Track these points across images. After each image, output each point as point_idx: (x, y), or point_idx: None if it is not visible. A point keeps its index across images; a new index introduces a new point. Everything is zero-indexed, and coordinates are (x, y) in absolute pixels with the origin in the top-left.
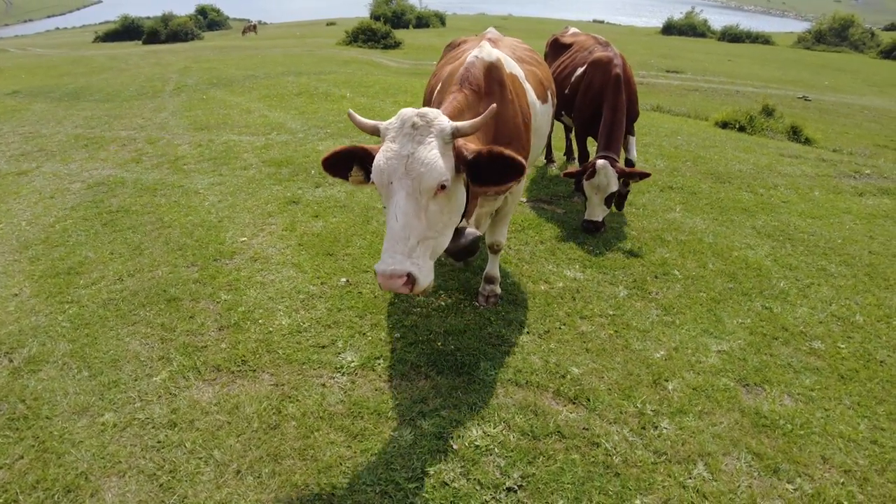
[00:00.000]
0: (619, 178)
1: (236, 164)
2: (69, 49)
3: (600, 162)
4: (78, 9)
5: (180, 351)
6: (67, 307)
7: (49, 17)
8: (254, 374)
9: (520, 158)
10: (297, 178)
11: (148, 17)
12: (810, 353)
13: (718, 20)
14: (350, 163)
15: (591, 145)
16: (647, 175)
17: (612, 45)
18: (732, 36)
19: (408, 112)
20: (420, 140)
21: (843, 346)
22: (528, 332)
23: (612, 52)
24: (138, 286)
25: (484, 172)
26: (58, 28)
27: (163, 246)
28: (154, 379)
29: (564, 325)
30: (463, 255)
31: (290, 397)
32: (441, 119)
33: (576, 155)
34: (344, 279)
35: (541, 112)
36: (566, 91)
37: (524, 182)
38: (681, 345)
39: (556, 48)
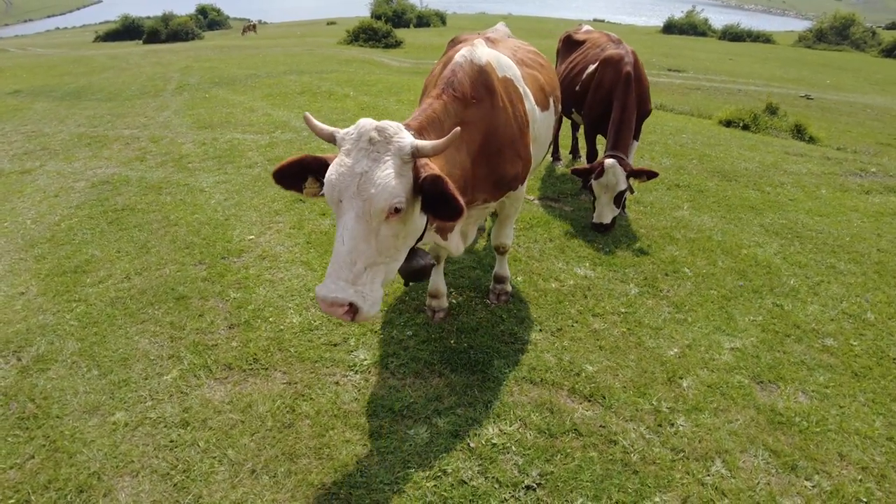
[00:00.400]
0: (627, 178)
1: (241, 163)
2: (69, 49)
3: (609, 161)
4: (78, 8)
5: (190, 349)
6: (75, 306)
7: (49, 16)
8: (266, 372)
9: (459, 200)
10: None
11: (148, 17)
12: (823, 350)
13: (719, 19)
14: (304, 174)
15: (600, 144)
16: (655, 175)
17: (624, 42)
18: (733, 35)
19: (367, 124)
20: (376, 158)
21: (855, 343)
22: (540, 330)
23: (623, 50)
24: (146, 284)
25: (428, 201)
26: (58, 28)
27: (170, 244)
28: (164, 378)
29: (577, 322)
30: (413, 278)
31: (303, 395)
32: (401, 135)
33: (583, 153)
34: None
35: (540, 119)
36: (577, 88)
37: (525, 185)
38: (694, 342)
39: (569, 45)
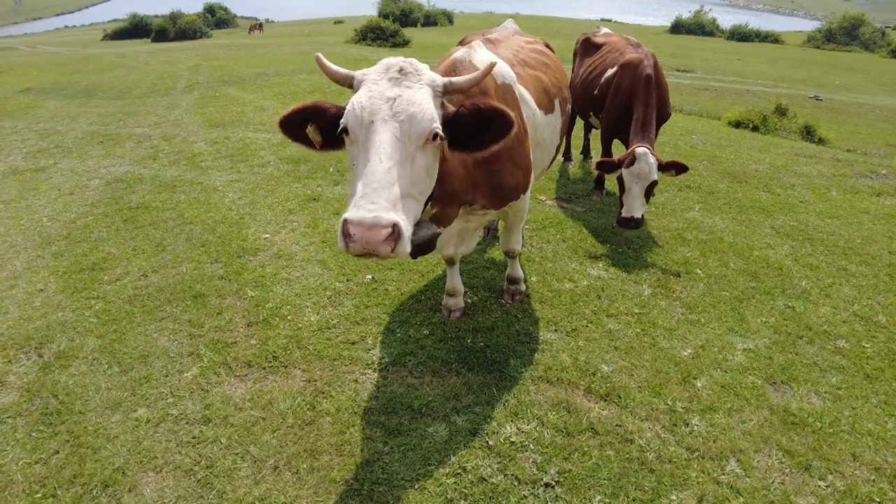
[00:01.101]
0: (658, 169)
1: (254, 161)
2: (78, 47)
3: (640, 149)
4: (87, 7)
5: (210, 347)
6: (93, 303)
7: (58, 14)
8: (285, 370)
9: (509, 111)
10: (315, 175)
11: (156, 16)
12: (835, 352)
13: (727, 19)
14: (309, 120)
15: (616, 149)
16: (685, 168)
17: (643, 45)
18: (741, 35)
19: (393, 59)
20: (409, 85)
21: (867, 345)
22: (555, 330)
23: (643, 53)
24: (163, 282)
25: (465, 133)
26: (66, 26)
27: (185, 242)
28: (185, 375)
29: (591, 323)
30: (420, 251)
31: (323, 393)
32: (431, 72)
33: (594, 154)
34: (369, 276)
35: (543, 123)
36: (595, 92)
37: (528, 197)
38: (707, 343)
39: (587, 48)
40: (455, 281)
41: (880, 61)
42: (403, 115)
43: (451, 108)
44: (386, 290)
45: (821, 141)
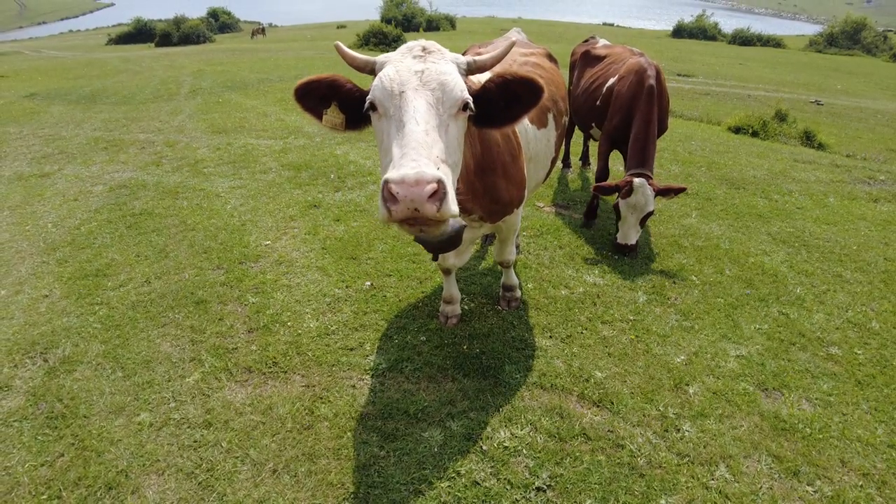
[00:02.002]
0: (654, 197)
1: (256, 168)
2: (83, 51)
3: (637, 180)
4: (91, 11)
5: (211, 353)
6: (97, 308)
7: (62, 19)
8: (285, 375)
9: (537, 78)
10: (316, 181)
11: (160, 20)
12: (827, 358)
13: (729, 23)
14: (329, 99)
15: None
16: (682, 189)
17: (646, 55)
18: (743, 39)
19: (414, 42)
20: (435, 61)
21: (859, 352)
22: (550, 337)
23: (646, 62)
24: (166, 288)
25: (493, 107)
26: (71, 30)
27: (187, 249)
28: (187, 380)
29: (586, 329)
30: (445, 247)
31: (321, 398)
32: (452, 52)
33: (593, 161)
34: (368, 283)
35: (537, 138)
36: (597, 102)
37: (521, 211)
38: (700, 350)
39: (588, 60)
40: (452, 289)
41: (882, 65)
42: (434, 83)
43: (476, 86)
44: (384, 296)
45: (820, 146)
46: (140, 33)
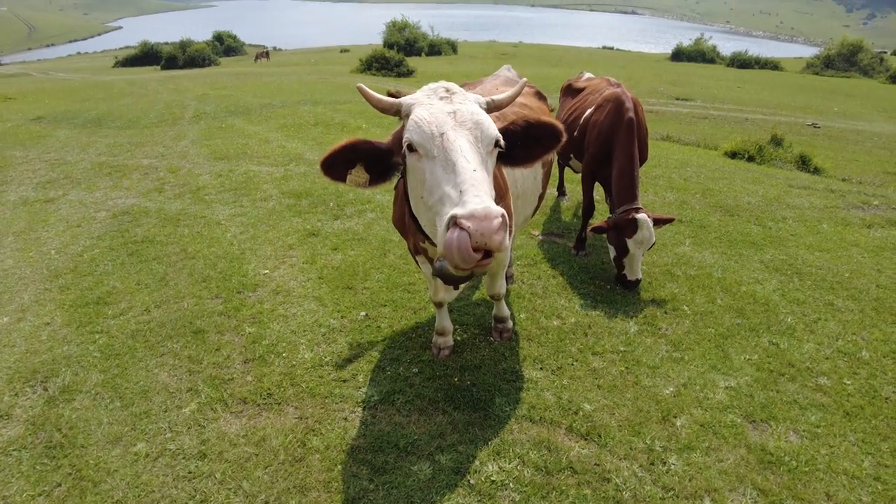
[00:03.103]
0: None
1: (256, 195)
2: (90, 73)
3: (640, 216)
4: (99, 34)
5: (207, 383)
6: (97, 337)
7: (71, 41)
8: (279, 406)
9: (558, 124)
10: (316, 209)
11: (166, 43)
12: (816, 389)
13: (727, 46)
14: (351, 161)
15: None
16: (671, 220)
17: (623, 86)
18: (741, 62)
19: (433, 84)
20: (461, 101)
21: (848, 382)
22: (541, 368)
23: (622, 93)
24: (165, 317)
25: (516, 146)
26: (79, 53)
27: (187, 277)
28: (183, 410)
29: (577, 361)
30: (466, 278)
31: (314, 430)
32: (469, 93)
33: (564, 191)
34: (363, 313)
35: (522, 176)
36: (574, 133)
37: (510, 247)
38: (689, 381)
39: (569, 93)
40: (444, 321)
41: (879, 87)
42: (470, 123)
43: (498, 125)
44: (378, 327)
45: (816, 170)
46: (146, 56)
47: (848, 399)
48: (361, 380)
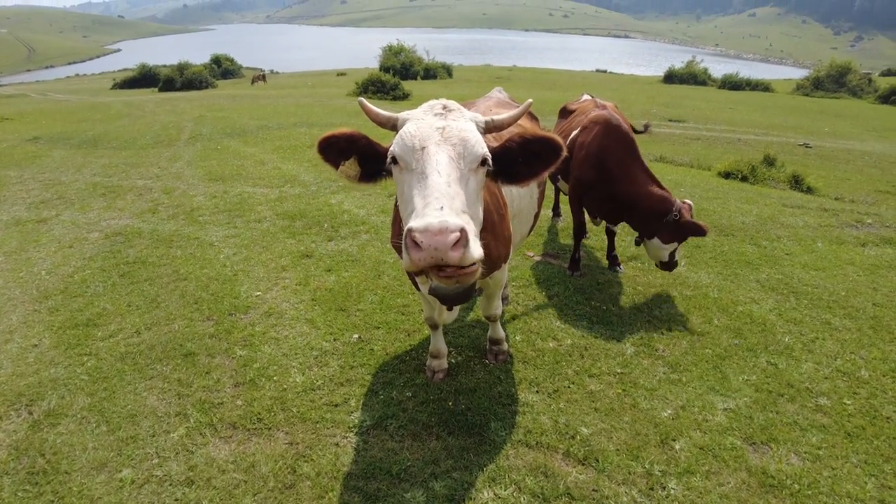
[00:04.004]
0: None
1: (250, 217)
2: (88, 95)
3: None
4: (98, 56)
5: (197, 407)
6: (86, 360)
7: (70, 63)
8: (269, 432)
9: (556, 138)
10: (310, 231)
11: (164, 66)
12: (816, 409)
13: (718, 69)
14: (347, 152)
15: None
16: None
17: (609, 107)
18: (732, 84)
19: (433, 101)
20: (455, 118)
21: (848, 402)
22: (537, 392)
23: (608, 114)
24: (155, 340)
25: (517, 163)
26: (78, 74)
27: (179, 299)
28: (171, 435)
29: (573, 383)
30: (462, 298)
31: (304, 456)
32: (470, 111)
33: (553, 212)
34: (356, 336)
35: (519, 195)
36: None
37: (508, 264)
38: (688, 403)
39: (563, 115)
40: (439, 343)
41: (868, 107)
42: (455, 139)
43: (495, 144)
44: (371, 349)
45: (809, 189)
46: (144, 78)
47: (849, 419)
48: (353, 404)
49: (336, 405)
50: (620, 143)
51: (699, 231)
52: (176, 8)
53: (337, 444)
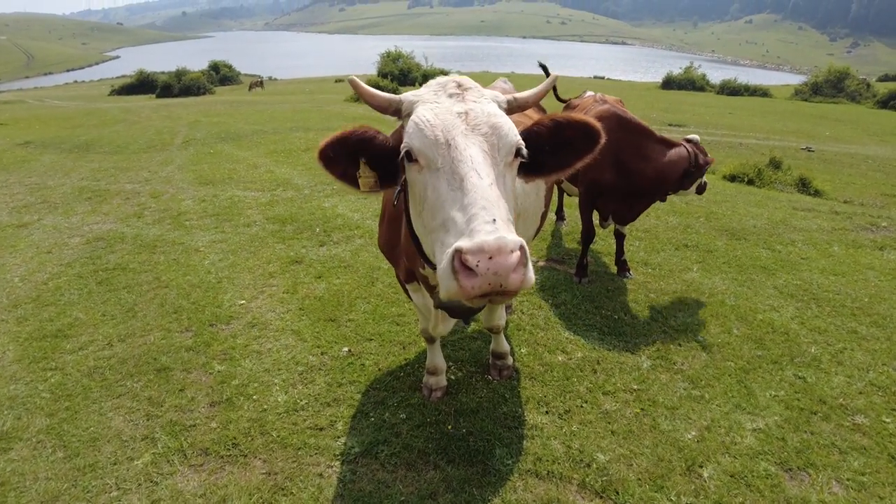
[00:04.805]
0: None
1: (239, 221)
2: (85, 101)
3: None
4: (97, 63)
5: (166, 430)
6: (50, 375)
7: (68, 70)
8: (245, 459)
9: (595, 122)
10: (301, 235)
11: (163, 72)
12: (854, 429)
13: (716, 75)
14: (358, 156)
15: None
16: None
17: (610, 101)
18: (731, 89)
19: (443, 77)
20: (475, 99)
21: (888, 420)
22: (546, 412)
23: (611, 107)
24: (127, 353)
25: (543, 152)
26: (76, 81)
27: (157, 308)
28: (135, 463)
29: (586, 402)
30: (474, 311)
31: (283, 489)
32: (488, 90)
33: (557, 215)
34: (346, 349)
35: (525, 192)
36: None
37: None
38: (713, 423)
39: (567, 111)
40: (436, 359)
41: (867, 112)
42: (486, 128)
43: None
44: (362, 365)
45: (817, 193)
46: (142, 84)
47: (891, 440)
48: (341, 428)
49: (321, 429)
50: (632, 133)
51: (708, 161)
52: (175, 15)
53: (320, 475)
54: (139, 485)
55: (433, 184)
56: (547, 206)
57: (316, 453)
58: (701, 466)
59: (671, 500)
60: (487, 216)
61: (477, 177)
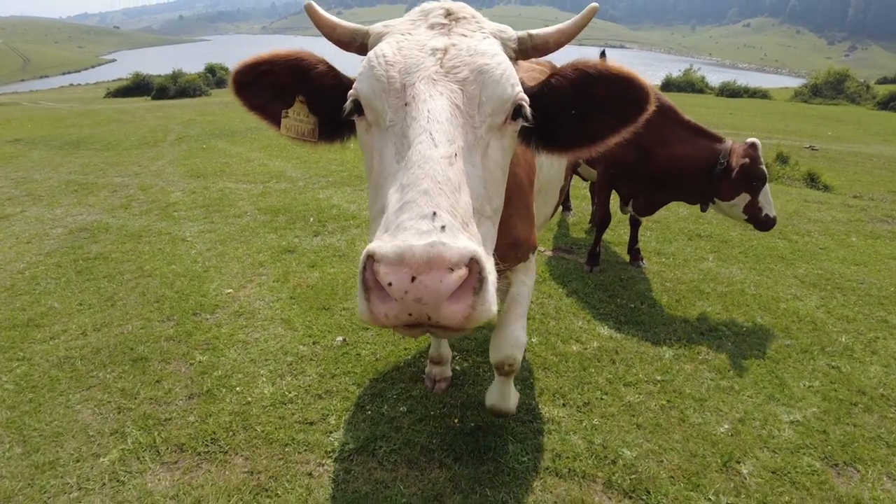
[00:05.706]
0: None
1: (230, 212)
2: (80, 103)
3: (750, 140)
4: (93, 66)
5: (138, 424)
6: (16, 365)
7: (64, 73)
8: (224, 456)
9: (640, 77)
10: (294, 225)
11: (159, 75)
12: None
13: (714, 78)
14: (292, 91)
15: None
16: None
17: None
18: (731, 91)
19: (429, 3)
20: (465, 32)
21: None
22: (563, 405)
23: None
24: (102, 342)
25: (564, 117)
26: (72, 84)
27: (138, 297)
28: (101, 460)
29: (606, 394)
30: None
31: (266, 490)
32: (495, 22)
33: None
34: (340, 338)
35: (548, 163)
36: None
37: (535, 258)
38: (746, 415)
39: None
40: (440, 347)
41: (868, 113)
42: (465, 71)
43: (532, 83)
44: (358, 354)
45: (826, 187)
46: (138, 87)
47: None
48: (333, 422)
49: (311, 423)
50: (657, 110)
51: (757, 171)
52: (171, 19)
53: (309, 474)
54: (103, 484)
55: (378, 147)
56: (568, 181)
57: (305, 450)
58: (738, 462)
59: (709, 499)
60: (426, 207)
61: (430, 143)
